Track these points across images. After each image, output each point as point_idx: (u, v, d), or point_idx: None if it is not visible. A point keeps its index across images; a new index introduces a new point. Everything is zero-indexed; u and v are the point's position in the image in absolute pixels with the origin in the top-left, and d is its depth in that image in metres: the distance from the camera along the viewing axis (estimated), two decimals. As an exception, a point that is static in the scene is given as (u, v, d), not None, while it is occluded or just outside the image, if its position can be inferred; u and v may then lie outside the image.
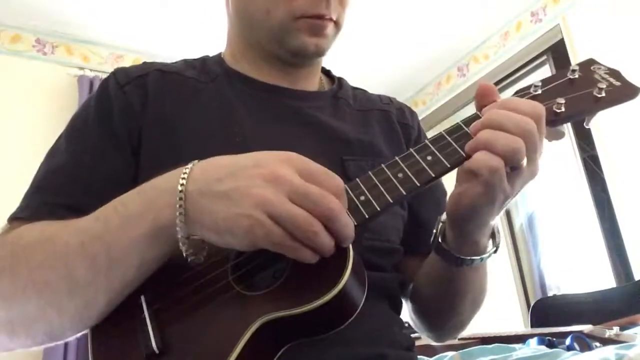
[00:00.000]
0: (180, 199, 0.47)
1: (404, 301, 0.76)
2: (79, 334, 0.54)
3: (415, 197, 0.74)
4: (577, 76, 0.57)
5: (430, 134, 0.82)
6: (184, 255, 0.48)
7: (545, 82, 0.58)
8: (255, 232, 0.44)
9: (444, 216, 0.59)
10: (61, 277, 0.50)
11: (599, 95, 0.55)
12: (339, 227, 0.45)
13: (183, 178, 0.48)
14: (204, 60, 0.76)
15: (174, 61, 0.76)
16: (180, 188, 0.47)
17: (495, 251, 0.59)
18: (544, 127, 0.51)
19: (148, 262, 0.50)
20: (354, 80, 0.85)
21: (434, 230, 0.60)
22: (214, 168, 0.48)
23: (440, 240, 0.59)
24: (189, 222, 0.47)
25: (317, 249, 0.45)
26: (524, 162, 0.49)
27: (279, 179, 0.44)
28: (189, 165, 0.49)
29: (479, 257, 0.58)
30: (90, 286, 0.49)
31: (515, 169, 0.50)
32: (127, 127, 0.64)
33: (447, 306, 0.69)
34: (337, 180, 0.46)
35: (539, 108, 0.51)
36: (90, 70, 2.67)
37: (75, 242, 0.50)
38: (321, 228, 0.44)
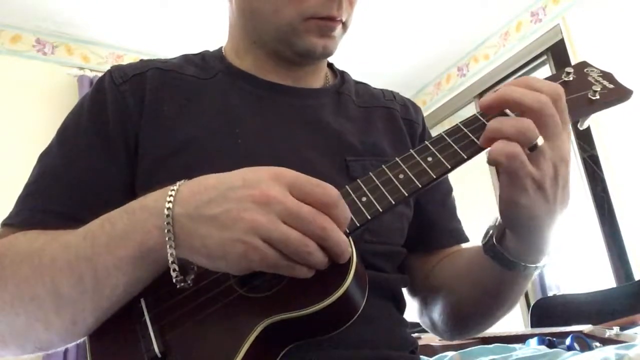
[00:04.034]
0: (168, 223, 0.45)
1: (413, 299, 0.75)
2: (69, 345, 0.54)
3: (421, 195, 0.74)
4: (571, 78, 0.58)
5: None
6: (174, 281, 0.47)
7: None
8: (250, 257, 0.43)
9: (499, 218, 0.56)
10: (47, 294, 0.49)
11: (594, 98, 0.56)
12: (332, 245, 0.44)
13: (169, 201, 0.46)
14: (204, 55, 0.75)
15: (173, 57, 0.74)
16: (167, 212, 0.45)
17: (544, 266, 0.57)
18: (563, 105, 0.50)
19: (135, 283, 0.49)
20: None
21: (490, 231, 0.57)
22: (202, 189, 0.46)
23: (495, 242, 0.56)
24: (177, 246, 0.45)
25: (312, 266, 0.45)
26: (539, 140, 0.47)
27: (270, 199, 0.43)
28: (175, 186, 0.47)
29: (533, 265, 0.55)
30: (77, 304, 0.49)
31: (533, 148, 0.47)
32: (123, 127, 0.63)
33: (484, 308, 0.66)
34: (331, 192, 0.45)
35: (556, 86, 0.50)
36: (90, 70, 2.67)
37: (62, 259, 0.49)
38: (315, 247, 0.43)
